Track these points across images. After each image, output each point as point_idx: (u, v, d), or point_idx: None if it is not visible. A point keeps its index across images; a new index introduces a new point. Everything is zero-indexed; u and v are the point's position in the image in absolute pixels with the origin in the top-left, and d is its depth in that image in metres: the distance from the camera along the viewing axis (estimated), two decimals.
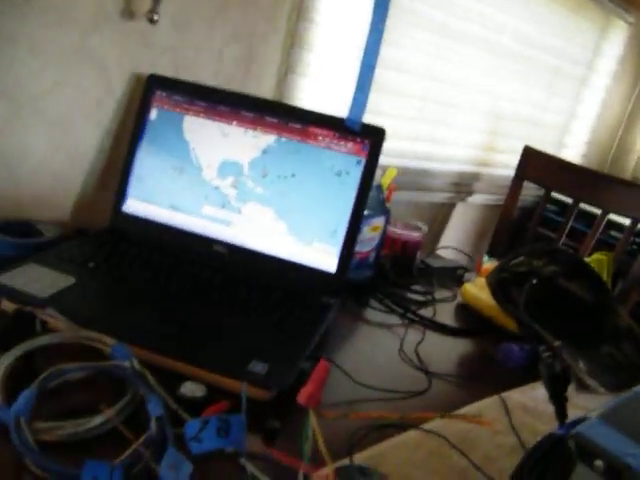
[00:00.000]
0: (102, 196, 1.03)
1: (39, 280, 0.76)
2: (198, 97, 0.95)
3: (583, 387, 0.90)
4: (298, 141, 0.92)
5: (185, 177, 0.96)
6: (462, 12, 1.61)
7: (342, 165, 0.91)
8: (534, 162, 1.64)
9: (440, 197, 1.73)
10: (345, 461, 0.59)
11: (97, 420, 0.56)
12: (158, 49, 1.02)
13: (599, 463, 0.39)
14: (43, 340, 0.64)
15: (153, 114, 0.97)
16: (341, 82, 1.36)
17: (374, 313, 1.01)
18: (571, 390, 0.89)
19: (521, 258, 1.08)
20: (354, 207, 0.92)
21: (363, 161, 0.91)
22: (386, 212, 1.11)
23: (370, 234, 1.07)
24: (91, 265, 0.84)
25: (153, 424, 0.55)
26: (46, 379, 0.58)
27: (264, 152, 0.93)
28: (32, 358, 0.63)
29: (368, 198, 0.93)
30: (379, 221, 1.09)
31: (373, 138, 0.90)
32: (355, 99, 0.89)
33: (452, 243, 1.69)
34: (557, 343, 0.71)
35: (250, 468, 0.44)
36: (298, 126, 0.92)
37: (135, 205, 0.98)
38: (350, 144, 0.91)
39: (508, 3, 1.70)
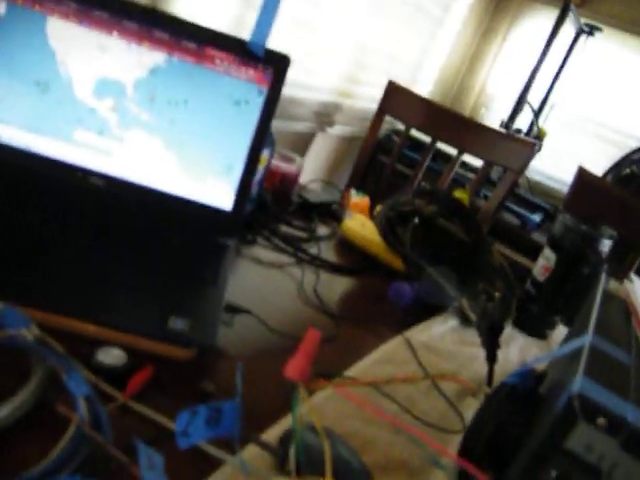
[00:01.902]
0: None
1: None
2: None
3: (467, 322, 0.95)
4: (192, 63, 0.81)
5: (51, 95, 0.80)
6: None
7: (241, 94, 0.83)
8: (397, 97, 1.65)
9: (302, 126, 1.69)
10: (287, 421, 0.56)
11: (4, 409, 0.46)
12: None
13: (602, 421, 0.40)
14: None
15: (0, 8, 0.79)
16: None
17: (262, 250, 0.96)
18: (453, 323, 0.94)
19: (404, 198, 1.09)
20: (253, 141, 0.84)
21: (265, 91, 0.83)
22: (272, 144, 1.04)
23: None
24: None
25: (81, 405, 0.47)
26: None
27: (152, 73, 0.81)
28: None
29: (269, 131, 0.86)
30: (265, 153, 1.03)
31: (277, 66, 0.82)
32: (260, 20, 0.80)
33: (311, 175, 1.67)
34: (497, 293, 0.72)
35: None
36: (193, 45, 0.80)
37: None
38: (251, 71, 0.82)
39: None
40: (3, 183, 0.76)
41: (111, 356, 0.54)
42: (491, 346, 0.68)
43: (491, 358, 0.68)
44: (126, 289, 0.65)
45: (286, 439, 0.49)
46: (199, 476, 0.48)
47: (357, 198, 1.34)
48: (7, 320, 0.52)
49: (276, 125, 1.55)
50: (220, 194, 0.85)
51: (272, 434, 0.54)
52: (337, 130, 1.85)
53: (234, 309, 0.69)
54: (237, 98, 0.83)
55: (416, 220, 1.05)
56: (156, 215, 0.82)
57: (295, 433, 0.40)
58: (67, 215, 0.75)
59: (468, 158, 1.94)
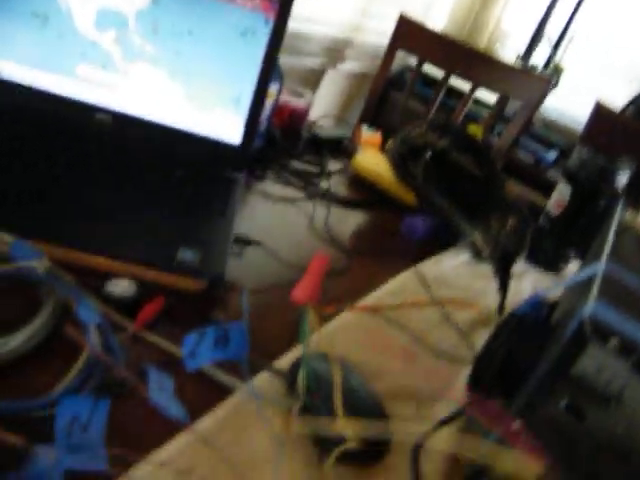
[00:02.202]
0: None
1: None
2: None
3: (479, 256, 0.94)
4: None
5: (51, 28, 0.78)
6: None
7: (248, 24, 0.80)
8: (409, 31, 1.60)
9: (312, 62, 1.65)
10: (298, 351, 0.56)
11: (18, 338, 0.46)
12: None
13: (614, 342, 0.39)
14: None
15: None
16: None
17: (272, 186, 0.95)
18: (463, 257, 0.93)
19: (416, 131, 1.06)
20: (261, 73, 0.82)
21: (272, 21, 0.80)
22: (280, 78, 1.02)
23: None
24: None
25: (93, 333, 0.47)
26: None
27: (154, 2, 0.78)
28: None
29: (276, 63, 0.83)
30: (273, 88, 1.01)
31: None
32: None
33: (321, 112, 1.64)
34: (512, 221, 0.71)
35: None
36: None
37: None
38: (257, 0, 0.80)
39: None
40: (8, 120, 0.75)
41: (121, 287, 0.55)
42: (503, 276, 0.68)
43: (503, 288, 0.68)
44: (135, 222, 0.65)
45: (296, 366, 0.50)
46: (210, 403, 0.48)
47: (368, 134, 1.32)
48: (18, 253, 0.52)
49: (285, 61, 1.51)
50: (228, 128, 0.83)
51: (282, 363, 0.54)
52: (348, 66, 1.80)
53: (244, 241, 0.69)
54: (243, 28, 0.80)
55: (428, 154, 1.03)
56: (164, 150, 0.81)
57: (304, 356, 0.40)
58: (74, 152, 0.74)
59: (482, 95, 1.89)
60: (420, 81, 2.00)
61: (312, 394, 0.45)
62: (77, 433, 0.32)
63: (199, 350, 0.35)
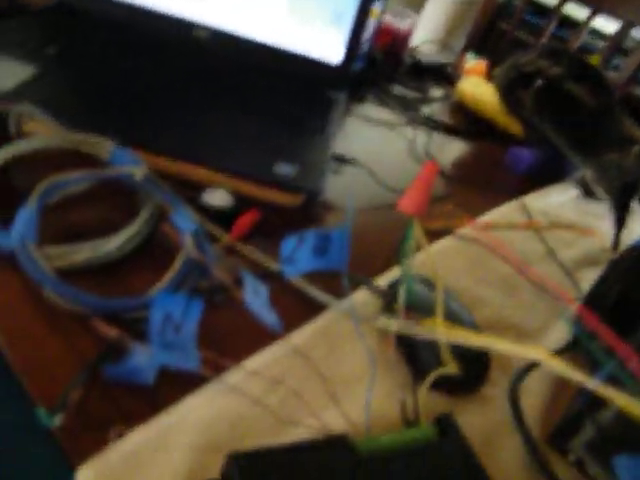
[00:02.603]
0: None
1: None
2: None
3: (589, 194, 0.87)
4: None
5: None
6: None
7: None
8: None
9: None
10: (396, 272, 0.54)
11: (117, 240, 0.46)
12: None
13: None
14: (23, 146, 0.49)
15: None
16: None
17: (372, 108, 0.92)
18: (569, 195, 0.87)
19: (527, 58, 0.99)
20: None
21: None
22: None
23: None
24: (51, 51, 0.67)
25: (188, 241, 0.46)
26: (44, 194, 0.46)
27: None
28: (7, 171, 0.49)
29: None
30: (377, 6, 0.95)
31: None
32: None
33: (424, 37, 1.55)
34: (637, 149, 0.64)
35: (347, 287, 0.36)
36: None
37: None
38: None
39: None
40: (110, 36, 0.75)
41: (218, 198, 0.54)
42: (621, 207, 0.62)
43: (620, 221, 0.62)
44: (233, 136, 0.63)
45: (395, 285, 0.47)
46: (304, 318, 0.47)
47: (473, 62, 1.24)
48: (118, 159, 0.52)
49: None
50: (329, 45, 0.80)
51: (381, 281, 0.52)
52: None
53: (341, 159, 0.66)
54: None
55: (540, 82, 0.96)
56: (264, 67, 0.78)
57: (405, 270, 0.38)
58: (175, 66, 0.73)
59: (600, 24, 1.74)
60: (531, 10, 1.86)
61: (411, 311, 0.43)
62: (170, 331, 0.32)
63: (297, 255, 0.33)
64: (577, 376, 0.32)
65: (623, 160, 0.77)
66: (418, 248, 0.36)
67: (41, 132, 0.53)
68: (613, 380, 0.39)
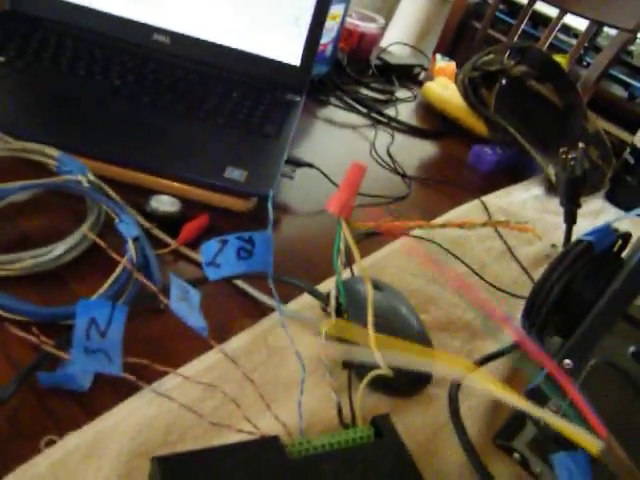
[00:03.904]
0: None
1: None
2: None
3: (552, 190, 0.88)
4: None
5: None
6: None
7: None
8: None
9: None
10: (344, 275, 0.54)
11: (60, 247, 0.46)
12: None
13: None
14: None
15: None
16: None
17: (335, 112, 0.92)
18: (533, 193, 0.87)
19: (492, 56, 0.99)
20: None
21: None
22: None
23: (328, 23, 0.94)
24: (1, 59, 0.67)
25: (130, 246, 0.46)
26: None
27: None
28: None
29: None
30: (338, 9, 0.96)
31: None
32: None
33: (394, 39, 1.56)
34: (581, 145, 0.65)
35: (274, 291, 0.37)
36: None
37: None
38: None
39: None
40: (66, 41, 0.74)
41: (165, 203, 0.54)
42: (569, 202, 0.62)
43: (569, 215, 0.62)
44: (185, 141, 0.63)
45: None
46: (248, 323, 0.47)
47: (443, 63, 1.24)
48: (64, 166, 0.52)
49: None
50: (287, 48, 0.80)
51: (326, 286, 0.53)
52: None
53: (297, 162, 0.66)
54: None
55: (503, 81, 0.96)
56: (221, 71, 0.78)
57: (337, 271, 0.38)
58: (129, 72, 0.72)
59: (571, 21, 1.75)
60: (503, 9, 1.88)
61: (351, 317, 0.43)
62: (95, 337, 0.32)
63: (221, 259, 0.33)
64: (500, 394, 0.32)
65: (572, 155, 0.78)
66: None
67: None
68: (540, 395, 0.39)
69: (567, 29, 1.96)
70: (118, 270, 0.45)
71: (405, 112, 1.00)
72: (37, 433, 0.36)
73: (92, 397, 0.39)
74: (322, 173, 0.67)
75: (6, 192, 0.48)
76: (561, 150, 0.63)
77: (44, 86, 0.65)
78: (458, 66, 1.21)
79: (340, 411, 0.40)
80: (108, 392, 0.39)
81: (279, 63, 0.80)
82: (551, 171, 0.88)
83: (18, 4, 0.76)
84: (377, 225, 0.35)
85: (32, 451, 0.35)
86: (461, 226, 0.39)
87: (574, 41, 1.93)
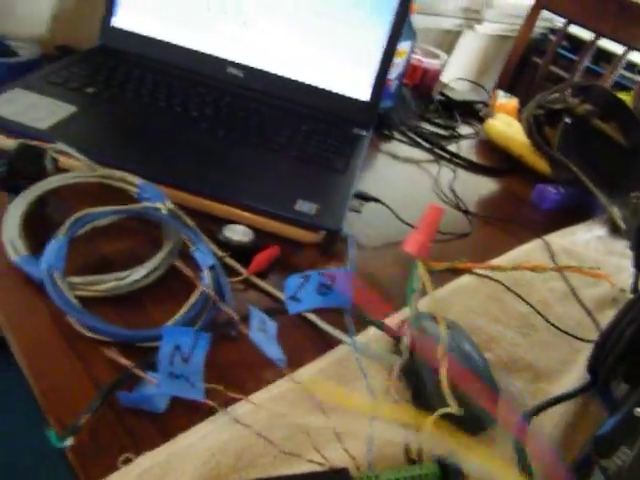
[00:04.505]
0: (87, 5, 0.88)
1: (33, 109, 0.64)
2: None
3: (616, 232, 0.87)
4: None
5: None
6: None
7: None
8: None
9: (448, 23, 1.59)
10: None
11: (141, 271, 0.49)
12: None
13: None
14: (57, 181, 0.53)
15: None
16: None
17: (399, 146, 0.93)
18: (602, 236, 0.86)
19: (556, 95, 0.99)
20: (391, 29, 0.80)
21: None
22: (413, 36, 0.99)
23: (395, 60, 0.96)
24: (90, 90, 0.71)
25: (206, 275, 0.48)
26: (74, 226, 0.49)
27: None
28: (42, 204, 0.53)
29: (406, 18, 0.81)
30: (405, 46, 0.98)
31: None
32: None
33: (455, 75, 1.57)
34: None
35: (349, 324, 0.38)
36: None
37: (129, 18, 0.82)
38: None
39: None
40: (148, 73, 0.79)
41: (238, 233, 0.56)
42: (639, 247, 0.61)
43: (639, 261, 0.62)
44: (258, 173, 0.66)
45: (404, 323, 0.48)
46: (316, 354, 0.48)
47: (504, 99, 1.25)
48: (145, 194, 0.55)
49: (420, 20, 1.47)
50: (357, 83, 0.82)
51: (394, 319, 0.53)
52: (486, 28, 1.71)
53: (364, 197, 0.67)
54: None
55: (567, 119, 0.96)
56: (293, 105, 0.81)
57: (410, 310, 0.39)
58: (206, 104, 0.76)
59: (636, 57, 1.73)
60: (566, 45, 1.87)
61: (416, 354, 0.44)
62: (179, 362, 0.33)
63: (302, 294, 0.35)
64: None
65: None
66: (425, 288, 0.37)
67: (75, 168, 0.56)
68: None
69: (631, 65, 1.93)
70: (195, 296, 0.47)
71: (467, 148, 1.01)
72: (115, 450, 0.38)
73: (167, 418, 0.41)
74: (389, 208, 0.68)
75: (92, 217, 0.51)
76: (632, 194, 0.62)
77: (127, 116, 0.69)
78: (520, 103, 1.22)
79: (407, 447, 0.40)
80: (182, 414, 0.41)
81: (348, 98, 0.82)
82: (616, 212, 0.86)
83: (107, 40, 0.81)
84: (452, 265, 0.36)
85: (111, 468, 0.37)
86: (533, 270, 0.39)
87: (639, 78, 1.90)
